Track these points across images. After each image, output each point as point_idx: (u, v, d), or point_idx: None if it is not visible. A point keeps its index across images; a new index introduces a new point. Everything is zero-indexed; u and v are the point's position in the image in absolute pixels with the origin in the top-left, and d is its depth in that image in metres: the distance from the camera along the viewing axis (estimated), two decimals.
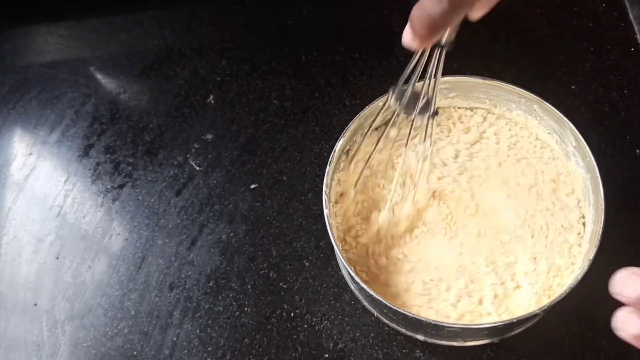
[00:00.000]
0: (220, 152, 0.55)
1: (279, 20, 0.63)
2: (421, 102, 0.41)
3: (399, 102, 0.41)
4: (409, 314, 0.39)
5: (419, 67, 0.39)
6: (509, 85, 0.45)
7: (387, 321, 0.44)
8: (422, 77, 0.39)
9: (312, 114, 0.56)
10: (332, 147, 0.54)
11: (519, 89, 0.45)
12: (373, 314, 0.45)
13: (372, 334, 0.45)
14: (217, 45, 0.62)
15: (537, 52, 0.58)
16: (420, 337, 0.43)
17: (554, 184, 0.46)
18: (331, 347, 0.45)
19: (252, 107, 0.57)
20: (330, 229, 0.41)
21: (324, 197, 0.43)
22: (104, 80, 0.61)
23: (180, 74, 0.60)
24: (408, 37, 0.35)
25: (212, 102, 0.58)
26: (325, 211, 0.42)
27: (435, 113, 0.42)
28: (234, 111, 0.57)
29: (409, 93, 0.40)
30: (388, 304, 0.38)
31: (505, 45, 0.59)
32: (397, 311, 0.39)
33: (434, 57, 0.38)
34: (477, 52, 0.59)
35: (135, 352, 0.46)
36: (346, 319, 0.46)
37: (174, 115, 0.58)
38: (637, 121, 0.53)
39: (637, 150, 0.51)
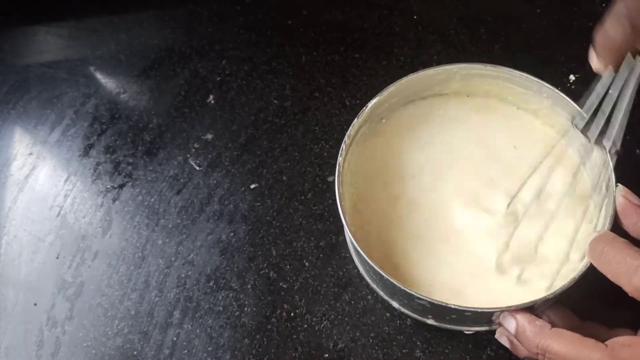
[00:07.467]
0: (220, 152, 0.55)
1: (279, 20, 0.63)
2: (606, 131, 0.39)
3: (585, 128, 0.40)
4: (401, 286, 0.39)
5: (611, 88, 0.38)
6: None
7: (381, 293, 0.45)
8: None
9: (312, 114, 0.56)
10: (332, 147, 0.54)
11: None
12: (368, 282, 0.46)
13: (372, 334, 0.45)
14: (217, 45, 0.62)
15: (537, 52, 0.58)
16: (430, 321, 0.43)
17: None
18: (331, 347, 0.45)
19: (252, 107, 0.57)
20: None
21: (343, 145, 0.44)
22: (104, 80, 0.61)
23: (180, 74, 0.60)
24: (595, 62, 0.37)
25: (212, 102, 0.58)
26: (339, 159, 0.43)
27: (620, 150, 0.39)
28: (234, 111, 0.57)
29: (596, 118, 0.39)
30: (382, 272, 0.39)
31: (505, 46, 0.59)
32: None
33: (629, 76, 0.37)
34: (477, 53, 0.59)
35: (135, 352, 0.46)
36: (346, 319, 0.46)
37: (174, 115, 0.58)
38: (637, 121, 0.53)
39: (637, 150, 0.51)
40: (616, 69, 0.39)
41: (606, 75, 0.39)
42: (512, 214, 0.44)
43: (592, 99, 0.40)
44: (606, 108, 0.40)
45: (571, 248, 0.40)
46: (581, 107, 0.42)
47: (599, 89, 0.40)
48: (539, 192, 0.42)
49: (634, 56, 0.38)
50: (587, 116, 0.41)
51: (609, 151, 0.40)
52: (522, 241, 0.42)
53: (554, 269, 0.41)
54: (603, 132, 0.40)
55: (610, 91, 0.39)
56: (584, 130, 0.42)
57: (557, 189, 0.44)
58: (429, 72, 0.47)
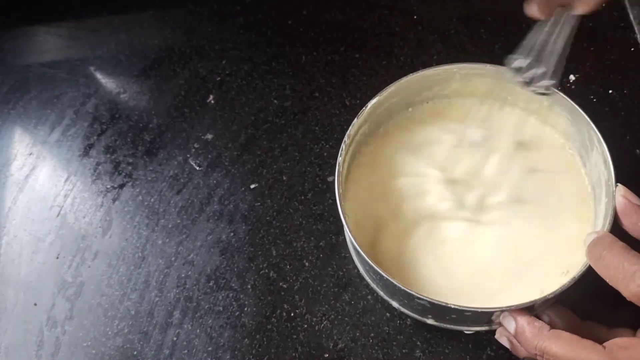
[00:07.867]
0: (220, 152, 0.55)
1: (279, 20, 0.63)
2: (538, 72, 0.43)
3: (520, 73, 0.43)
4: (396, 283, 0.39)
5: (546, 35, 0.42)
6: None
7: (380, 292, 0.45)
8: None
9: (312, 114, 0.56)
10: (332, 147, 0.54)
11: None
12: (369, 283, 0.46)
13: (372, 334, 0.45)
14: (217, 45, 0.62)
15: None
16: (430, 321, 0.43)
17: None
18: (331, 347, 0.45)
19: (252, 107, 0.57)
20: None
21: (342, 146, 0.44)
22: (104, 80, 0.61)
23: (180, 74, 0.60)
24: (532, 11, 0.42)
25: (212, 102, 0.58)
26: (339, 159, 0.43)
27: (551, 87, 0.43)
28: (234, 111, 0.57)
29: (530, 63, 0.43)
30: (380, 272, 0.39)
31: (505, 46, 0.59)
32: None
33: (560, 23, 0.41)
34: (478, 52, 0.59)
35: (135, 352, 0.46)
36: (346, 319, 0.46)
37: (174, 115, 0.58)
38: (637, 121, 0.53)
39: (637, 150, 0.52)
40: (548, 18, 0.43)
41: (539, 24, 0.43)
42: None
43: (527, 44, 0.43)
44: (539, 53, 0.43)
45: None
46: (516, 52, 0.44)
47: (533, 35, 0.43)
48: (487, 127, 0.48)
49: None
50: (522, 59, 0.44)
51: (543, 93, 0.44)
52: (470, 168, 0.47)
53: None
54: (535, 76, 0.44)
55: (543, 37, 0.43)
56: (518, 73, 0.44)
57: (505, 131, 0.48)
58: (429, 72, 0.47)
